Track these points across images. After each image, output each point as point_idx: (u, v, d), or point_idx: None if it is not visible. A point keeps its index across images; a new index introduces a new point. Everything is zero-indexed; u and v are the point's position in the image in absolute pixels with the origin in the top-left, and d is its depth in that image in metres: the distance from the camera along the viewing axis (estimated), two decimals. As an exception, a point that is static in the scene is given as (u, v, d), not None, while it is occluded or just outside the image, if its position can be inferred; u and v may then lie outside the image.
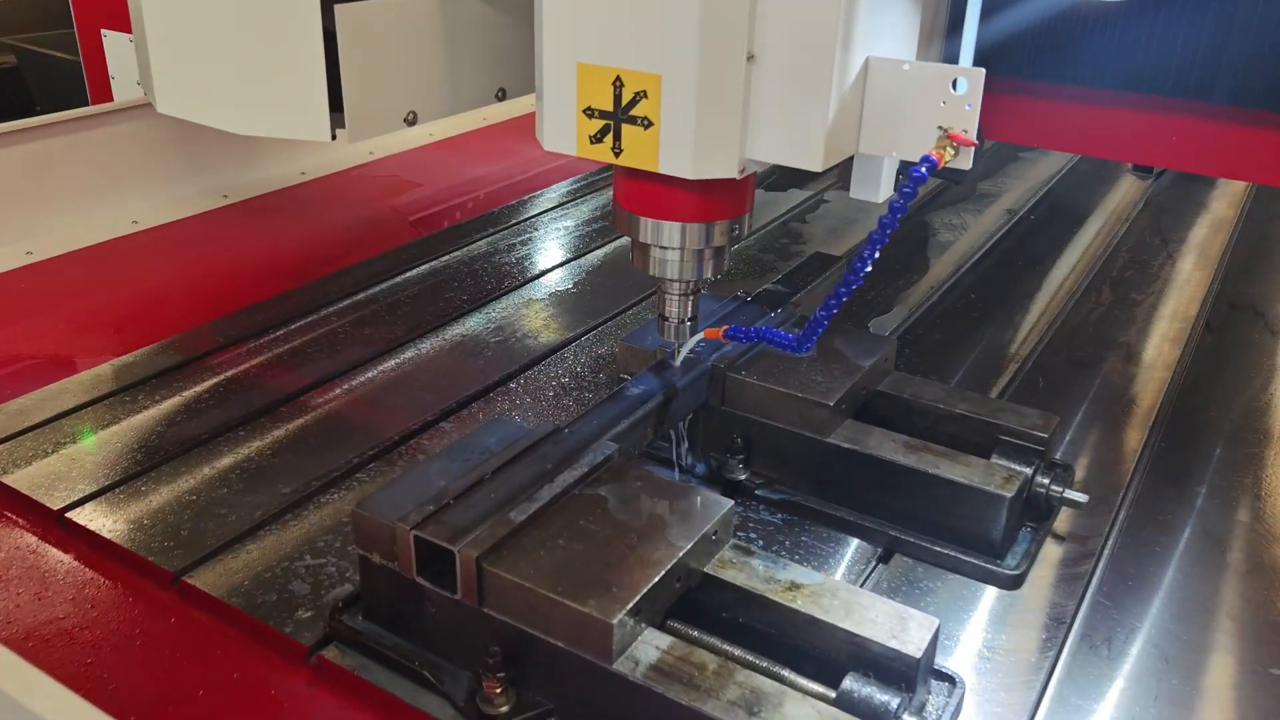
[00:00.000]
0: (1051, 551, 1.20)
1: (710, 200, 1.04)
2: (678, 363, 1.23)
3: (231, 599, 1.09)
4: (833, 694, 0.90)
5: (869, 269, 0.96)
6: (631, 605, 0.89)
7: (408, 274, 1.86)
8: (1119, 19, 1.02)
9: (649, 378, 1.26)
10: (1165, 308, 1.88)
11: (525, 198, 2.27)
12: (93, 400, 1.44)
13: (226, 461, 1.32)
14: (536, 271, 1.90)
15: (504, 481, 1.02)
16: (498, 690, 0.92)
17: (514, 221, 2.13)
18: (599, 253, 2.00)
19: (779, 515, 1.25)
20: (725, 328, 1.18)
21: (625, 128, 0.96)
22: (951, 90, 0.91)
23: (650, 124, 0.94)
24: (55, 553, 1.18)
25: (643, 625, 0.92)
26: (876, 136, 0.97)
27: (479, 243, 2.01)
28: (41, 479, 1.27)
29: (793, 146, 0.94)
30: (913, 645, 0.91)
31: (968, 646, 1.07)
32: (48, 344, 1.62)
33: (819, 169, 0.93)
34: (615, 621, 0.87)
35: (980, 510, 1.15)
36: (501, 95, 1.23)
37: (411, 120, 1.14)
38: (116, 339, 1.61)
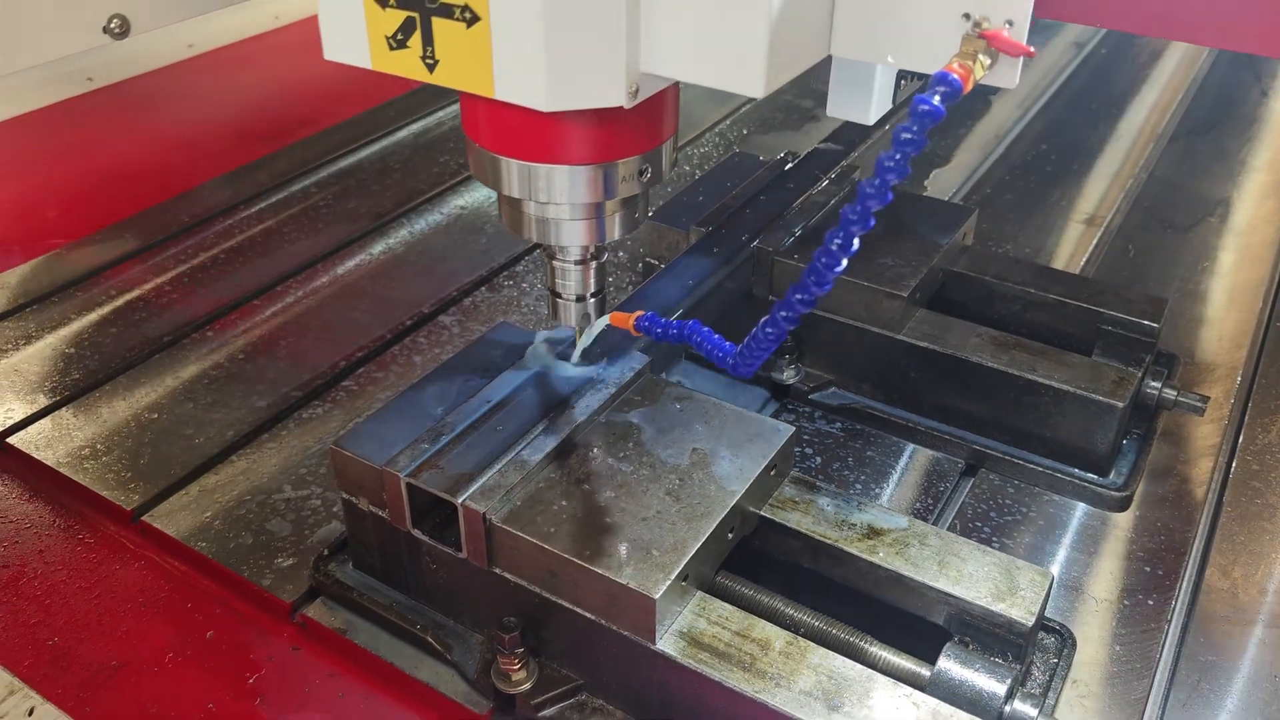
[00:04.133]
0: (1160, 462, 1.02)
1: (608, 129, 0.68)
2: (576, 358, 0.87)
3: (200, 544, 0.93)
4: (926, 672, 0.73)
5: (842, 267, 0.62)
6: (677, 574, 0.71)
7: (397, 134, 1.63)
8: None
9: (687, 265, 1.05)
10: (1262, 156, 1.64)
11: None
12: (35, 299, 1.25)
13: (191, 370, 1.14)
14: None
15: (514, 409, 0.83)
16: (516, 666, 0.77)
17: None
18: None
19: (838, 424, 1.06)
20: (637, 315, 0.80)
21: (438, 24, 0.62)
22: None
23: (475, 18, 0.60)
24: (-5, 486, 1.01)
25: (691, 591, 0.75)
26: (859, 33, 0.62)
27: (477, 95, 1.76)
28: (-23, 396, 1.10)
29: (715, 59, 0.60)
30: (1023, 609, 0.74)
31: (1071, 585, 0.90)
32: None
33: (760, 93, 0.60)
34: (659, 596, 0.70)
35: (1085, 420, 0.96)
36: None
37: (120, 30, 0.82)
38: (61, 222, 1.40)
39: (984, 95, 1.81)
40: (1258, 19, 0.82)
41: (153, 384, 1.12)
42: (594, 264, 0.79)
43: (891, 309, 1.02)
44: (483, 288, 1.27)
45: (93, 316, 1.22)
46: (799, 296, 0.64)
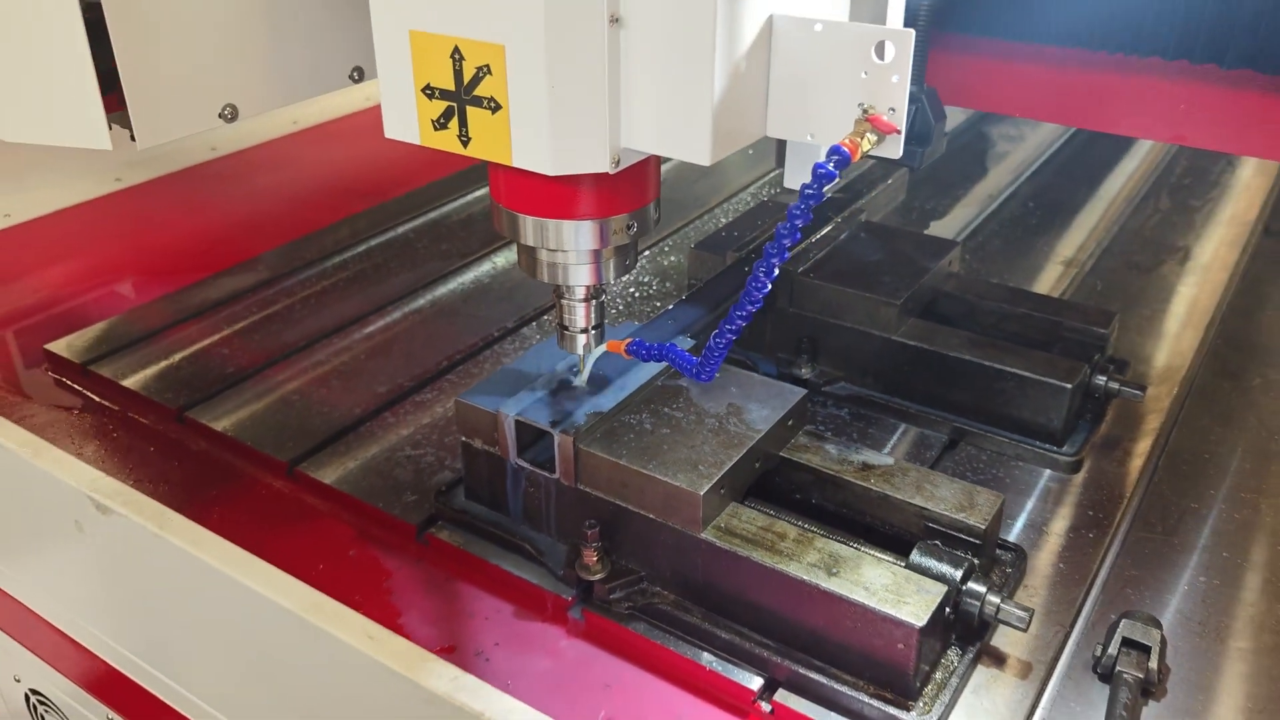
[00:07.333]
0: (1109, 439, 1.26)
1: (603, 192, 0.88)
2: (583, 380, 1.07)
3: (343, 486, 1.19)
4: (902, 564, 0.97)
5: (768, 288, 0.84)
6: (717, 480, 0.96)
7: (479, 191, 1.93)
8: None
9: (724, 281, 1.32)
10: (1224, 213, 1.90)
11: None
12: (191, 315, 1.54)
13: (324, 367, 1.42)
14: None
15: (592, 374, 1.09)
16: (594, 559, 1.01)
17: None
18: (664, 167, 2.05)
19: (846, 409, 1.31)
20: (628, 341, 1.02)
21: (471, 111, 0.80)
22: (875, 59, 0.74)
23: (498, 107, 0.79)
24: (179, 448, 1.28)
25: (727, 500, 0.99)
26: (786, 117, 0.80)
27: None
28: (159, 382, 1.38)
29: (673, 133, 0.78)
30: (979, 517, 0.98)
31: (1030, 524, 1.13)
32: (156, 258, 1.74)
33: (707, 161, 0.77)
34: (703, 493, 0.95)
35: (1042, 401, 1.21)
36: (358, 76, 1.07)
37: (230, 115, 0.98)
38: (215, 253, 1.71)
39: (981, 163, 2.08)
40: (1153, 110, 1.01)
41: (294, 375, 1.39)
42: (594, 302, 1.00)
43: (888, 315, 1.27)
44: (552, 309, 1.54)
45: (240, 325, 1.51)
46: (738, 312, 0.87)
